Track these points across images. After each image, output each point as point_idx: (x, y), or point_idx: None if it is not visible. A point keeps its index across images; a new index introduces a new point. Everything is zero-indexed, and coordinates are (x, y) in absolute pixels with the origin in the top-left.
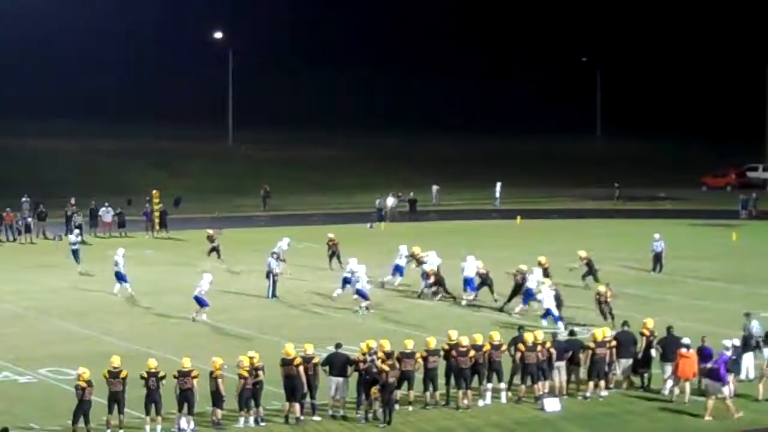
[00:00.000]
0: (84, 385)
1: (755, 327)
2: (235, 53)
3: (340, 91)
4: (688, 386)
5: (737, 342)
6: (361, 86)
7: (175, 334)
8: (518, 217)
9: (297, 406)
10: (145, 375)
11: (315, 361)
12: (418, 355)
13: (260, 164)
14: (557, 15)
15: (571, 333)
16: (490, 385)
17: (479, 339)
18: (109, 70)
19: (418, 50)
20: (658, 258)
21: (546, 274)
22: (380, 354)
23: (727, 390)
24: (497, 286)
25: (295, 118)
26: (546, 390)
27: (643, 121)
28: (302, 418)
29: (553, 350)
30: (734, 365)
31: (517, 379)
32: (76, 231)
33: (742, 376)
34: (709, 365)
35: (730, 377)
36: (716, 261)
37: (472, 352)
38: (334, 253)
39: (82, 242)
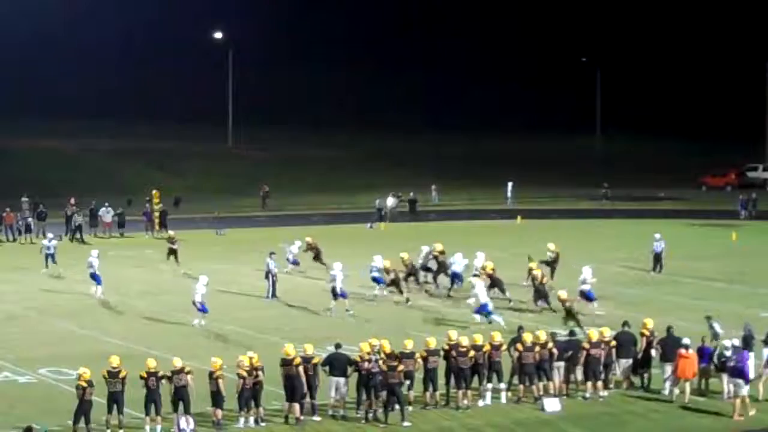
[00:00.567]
0: (84, 385)
1: (717, 328)
2: (235, 53)
3: (340, 90)
4: (688, 386)
5: (737, 342)
6: (362, 86)
7: (174, 335)
8: (519, 217)
9: (297, 406)
10: (145, 375)
11: (315, 361)
12: (417, 355)
13: (260, 164)
14: (557, 14)
15: (571, 333)
16: (490, 386)
17: (479, 339)
18: (109, 69)
19: (419, 50)
20: (658, 258)
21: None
22: (380, 354)
23: (747, 389)
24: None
25: (296, 117)
26: (548, 390)
27: (643, 121)
28: (302, 418)
29: (555, 350)
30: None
31: (516, 380)
32: (50, 235)
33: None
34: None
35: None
36: (716, 261)
37: (471, 353)
38: (317, 255)
39: (83, 242)
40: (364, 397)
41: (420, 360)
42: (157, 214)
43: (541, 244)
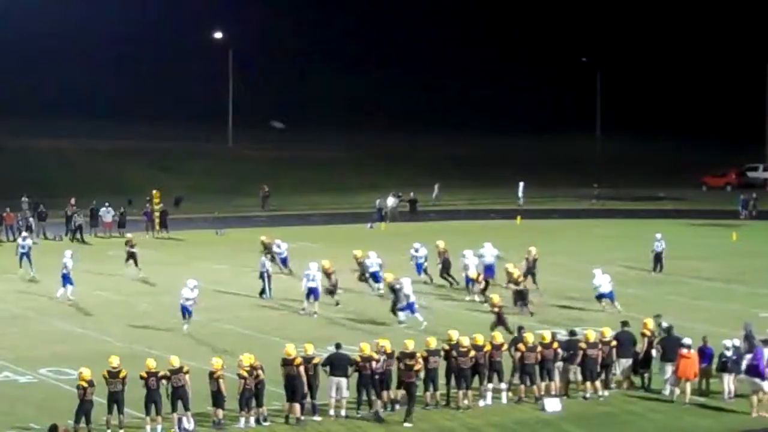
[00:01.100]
0: (85, 385)
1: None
2: (235, 52)
3: (340, 90)
4: (688, 386)
5: (737, 342)
6: (362, 86)
7: (174, 335)
8: (518, 218)
9: (297, 406)
10: (145, 375)
11: (315, 361)
12: (418, 355)
13: (260, 164)
14: (557, 15)
15: (572, 333)
16: (490, 386)
17: (480, 339)
18: (109, 69)
19: (418, 50)
20: (658, 258)
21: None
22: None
23: (767, 385)
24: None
25: (296, 117)
26: (549, 391)
27: (643, 121)
28: (303, 418)
29: (560, 350)
30: (735, 365)
31: (517, 379)
32: (24, 234)
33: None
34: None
35: (731, 377)
36: (716, 261)
37: (472, 353)
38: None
39: (84, 242)
40: (364, 397)
41: (421, 360)
42: (157, 214)
43: (541, 245)
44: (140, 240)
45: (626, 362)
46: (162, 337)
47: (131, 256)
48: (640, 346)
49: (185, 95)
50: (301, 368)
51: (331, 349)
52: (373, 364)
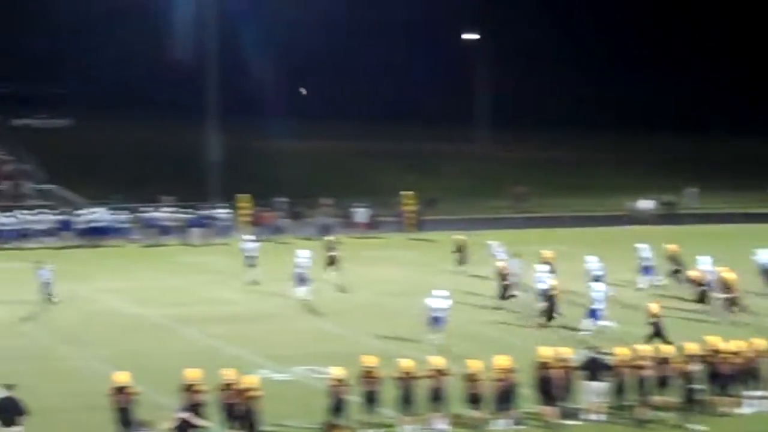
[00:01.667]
0: (338, 383)
1: None
2: (487, 53)
3: (590, 91)
4: None
5: None
6: (613, 87)
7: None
8: None
9: (553, 409)
10: (399, 376)
11: (570, 364)
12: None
13: (510, 165)
14: None
15: None
16: (752, 392)
17: (743, 344)
18: (358, 70)
19: (666, 52)
20: None
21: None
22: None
23: None
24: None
25: (550, 119)
26: None
27: None
28: (559, 421)
29: None
30: None
31: None
32: (249, 236)
33: None
34: None
35: None
36: None
37: (735, 358)
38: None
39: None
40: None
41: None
42: (410, 215)
43: None
44: (393, 241)
45: None
46: (415, 339)
47: (332, 259)
48: None
49: (438, 96)
50: (558, 371)
51: (588, 353)
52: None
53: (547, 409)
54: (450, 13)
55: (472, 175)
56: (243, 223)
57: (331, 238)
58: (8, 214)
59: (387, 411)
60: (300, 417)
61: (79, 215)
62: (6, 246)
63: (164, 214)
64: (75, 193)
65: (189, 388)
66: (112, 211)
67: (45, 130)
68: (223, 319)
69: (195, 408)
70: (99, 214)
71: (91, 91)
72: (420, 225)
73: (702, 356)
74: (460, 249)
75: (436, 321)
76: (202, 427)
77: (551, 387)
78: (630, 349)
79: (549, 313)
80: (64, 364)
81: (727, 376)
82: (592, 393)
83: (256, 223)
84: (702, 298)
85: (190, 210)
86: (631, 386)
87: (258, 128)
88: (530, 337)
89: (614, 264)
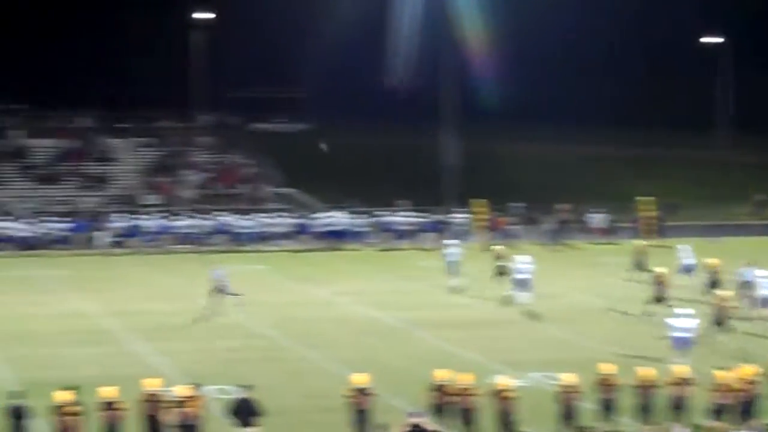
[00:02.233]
0: (568, 390)
1: None
2: (730, 57)
3: None
4: None
5: None
6: None
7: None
8: None
9: None
10: (638, 384)
11: None
12: None
13: (755, 171)
14: None
15: None
16: None
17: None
18: (600, 75)
19: None
20: None
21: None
22: None
23: None
24: None
25: None
26: None
27: None
28: None
29: None
30: None
31: None
32: (451, 241)
33: None
34: None
35: None
36: None
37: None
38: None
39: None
40: None
41: None
42: (649, 221)
43: None
44: (629, 248)
45: None
46: (650, 348)
47: (501, 270)
48: None
49: (676, 100)
50: None
51: None
52: None
53: None
54: (688, 16)
55: (711, 181)
56: (479, 227)
57: (501, 247)
58: (247, 217)
59: (624, 419)
60: (534, 424)
61: (316, 219)
62: (245, 248)
63: (400, 218)
64: (312, 197)
65: (437, 389)
66: (349, 215)
67: (284, 134)
68: (457, 324)
69: (439, 409)
70: (336, 218)
71: (329, 95)
72: (661, 231)
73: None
74: (640, 254)
75: (681, 342)
76: None
77: None
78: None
79: None
80: (301, 366)
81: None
82: None
83: (492, 228)
84: None
85: (425, 214)
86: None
87: (494, 132)
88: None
89: None
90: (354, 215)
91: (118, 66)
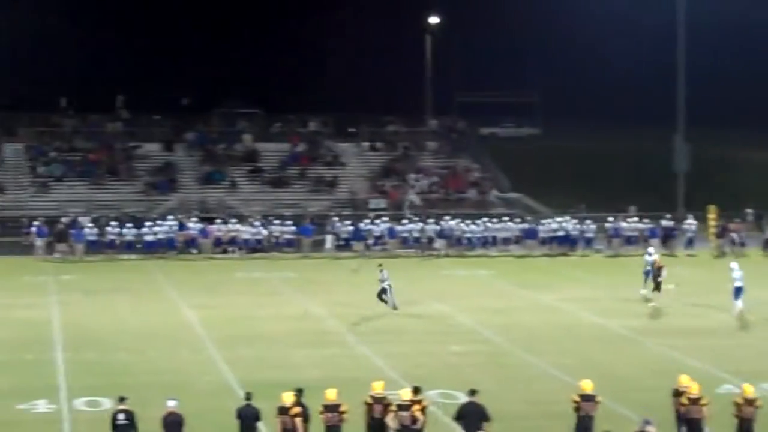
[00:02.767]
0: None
1: None
2: None
3: None
4: None
5: None
6: None
7: None
8: None
9: None
10: None
11: None
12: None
13: None
14: None
15: None
16: None
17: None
18: None
19: None
20: None
21: None
22: None
23: None
24: None
25: None
26: None
27: None
28: None
29: None
30: None
31: None
32: (650, 249)
33: None
34: None
35: None
36: None
37: None
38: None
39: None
40: None
41: None
42: None
43: None
44: None
45: None
46: None
47: (657, 284)
48: None
49: None
50: None
51: None
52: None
53: None
54: None
55: None
56: (710, 234)
57: (656, 257)
58: (474, 221)
59: None
60: None
61: (543, 224)
62: (470, 253)
63: (629, 224)
64: (539, 202)
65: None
66: (576, 221)
67: (512, 139)
68: (684, 332)
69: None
70: (563, 223)
71: (558, 99)
72: None
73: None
74: None
75: None
76: None
77: None
78: None
79: None
80: (524, 371)
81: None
82: None
83: (720, 235)
84: None
85: (656, 220)
86: None
87: (726, 137)
88: None
89: None
90: (581, 220)
91: (348, 70)
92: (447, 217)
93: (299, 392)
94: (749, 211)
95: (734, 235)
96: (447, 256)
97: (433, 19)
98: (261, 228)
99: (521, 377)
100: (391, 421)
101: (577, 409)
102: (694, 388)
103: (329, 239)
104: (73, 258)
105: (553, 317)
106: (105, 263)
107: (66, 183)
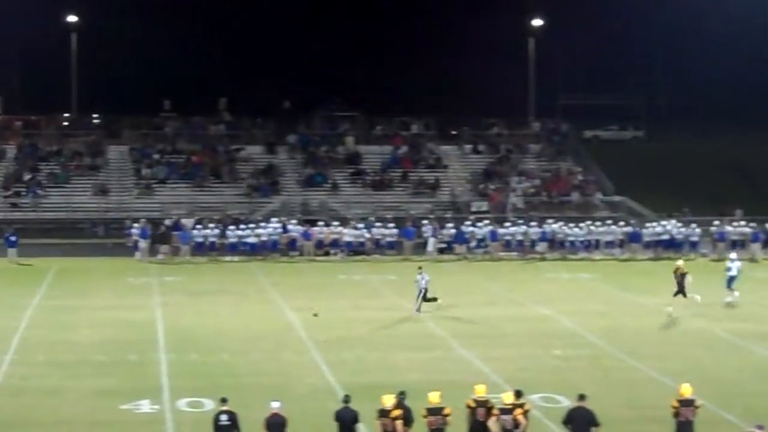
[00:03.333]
0: None
1: None
2: None
3: None
4: None
5: None
6: None
7: None
8: None
9: None
10: None
11: None
12: None
13: None
14: None
15: None
16: None
17: None
18: None
19: None
20: None
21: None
22: None
23: None
24: None
25: None
26: None
27: None
28: None
29: None
30: None
31: None
32: (732, 255)
33: None
34: None
35: None
36: None
37: None
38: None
39: None
40: None
41: None
42: None
43: None
44: None
45: None
46: None
47: (680, 288)
48: None
49: None
50: None
51: None
52: None
53: None
54: None
55: None
56: None
57: (679, 263)
58: (577, 224)
59: None
60: None
61: (647, 227)
62: (573, 257)
63: (735, 227)
64: (643, 205)
65: None
66: (680, 224)
67: (614, 142)
68: None
69: None
70: (668, 227)
71: (662, 102)
72: None
73: None
74: None
75: None
76: None
77: None
78: None
79: None
80: (627, 376)
81: None
82: None
83: None
84: None
85: (762, 224)
86: None
87: None
88: None
89: None
90: (686, 224)
91: (451, 72)
92: (550, 220)
93: (402, 395)
94: None
95: None
96: (543, 259)
97: (536, 21)
98: (363, 230)
99: (624, 381)
100: (493, 425)
101: (676, 414)
102: None
103: (431, 242)
104: (178, 259)
105: (656, 321)
106: (208, 265)
107: (169, 185)
